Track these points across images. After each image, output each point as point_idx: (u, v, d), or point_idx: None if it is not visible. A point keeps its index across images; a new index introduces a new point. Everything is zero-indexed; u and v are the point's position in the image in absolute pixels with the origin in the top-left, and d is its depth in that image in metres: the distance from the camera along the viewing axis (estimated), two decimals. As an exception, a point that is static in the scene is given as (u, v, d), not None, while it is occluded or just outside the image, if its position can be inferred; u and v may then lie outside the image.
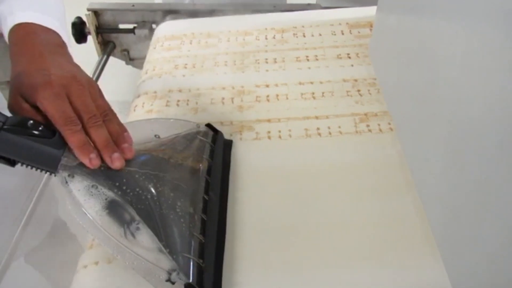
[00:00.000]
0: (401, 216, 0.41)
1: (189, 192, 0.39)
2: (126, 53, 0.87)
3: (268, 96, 0.55)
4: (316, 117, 0.51)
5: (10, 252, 0.48)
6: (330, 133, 0.49)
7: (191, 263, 0.34)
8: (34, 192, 0.55)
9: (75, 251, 0.62)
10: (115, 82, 1.06)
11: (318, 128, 0.50)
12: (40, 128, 0.33)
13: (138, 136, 0.39)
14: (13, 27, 0.41)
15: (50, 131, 0.34)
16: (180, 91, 0.57)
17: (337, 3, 0.77)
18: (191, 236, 0.36)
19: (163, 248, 0.34)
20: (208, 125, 0.48)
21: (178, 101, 0.55)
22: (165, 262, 0.34)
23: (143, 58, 0.70)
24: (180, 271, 0.33)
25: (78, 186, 0.34)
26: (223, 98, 0.55)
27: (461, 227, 0.34)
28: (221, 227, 0.40)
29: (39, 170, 0.35)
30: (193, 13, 0.81)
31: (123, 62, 0.91)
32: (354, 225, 0.40)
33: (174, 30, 0.70)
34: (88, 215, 0.33)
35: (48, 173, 0.35)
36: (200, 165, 0.42)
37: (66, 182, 0.34)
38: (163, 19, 0.81)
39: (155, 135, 0.42)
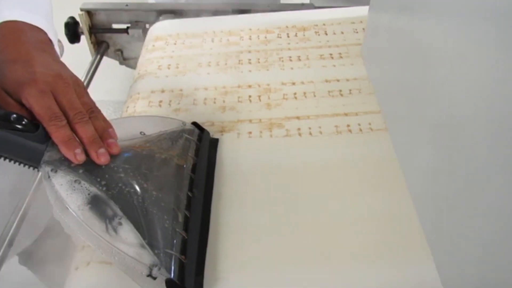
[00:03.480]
0: (391, 214, 0.41)
1: (173, 189, 0.40)
2: (119, 53, 0.88)
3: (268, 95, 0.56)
4: (308, 117, 0.53)
5: (4, 251, 0.49)
6: (321, 132, 0.50)
7: (173, 259, 0.35)
8: (28, 191, 0.56)
9: (69, 250, 0.63)
10: (109, 82, 1.07)
11: (310, 128, 0.51)
12: (24, 122, 0.34)
13: (123, 132, 0.40)
14: None
15: (33, 126, 0.35)
16: (173, 90, 0.58)
17: (330, 3, 0.78)
18: (173, 232, 0.37)
19: (145, 243, 0.35)
20: (194, 123, 0.49)
21: (160, 101, 0.56)
22: (147, 257, 0.35)
23: (137, 58, 0.71)
24: (162, 266, 0.34)
25: (61, 181, 0.35)
26: (217, 99, 0.56)
27: (450, 225, 0.34)
28: (205, 224, 0.41)
29: (22, 165, 0.36)
30: (188, 13, 0.82)
31: (117, 62, 0.92)
32: (342, 222, 0.41)
33: (168, 30, 0.71)
34: (70, 209, 0.34)
35: (31, 167, 0.36)
36: (185, 162, 0.43)
37: (49, 177, 0.35)
38: (157, 19, 0.82)
39: (141, 132, 0.43)
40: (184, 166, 0.43)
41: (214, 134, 0.51)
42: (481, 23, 0.29)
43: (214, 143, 0.49)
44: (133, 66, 0.90)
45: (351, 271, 0.38)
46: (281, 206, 0.43)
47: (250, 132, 0.51)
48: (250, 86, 0.57)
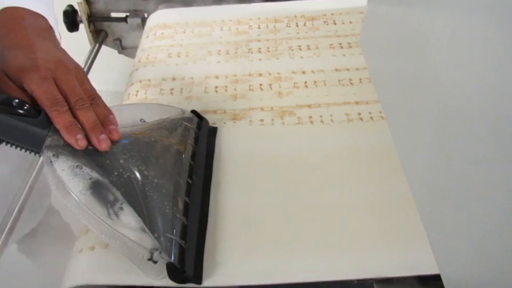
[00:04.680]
0: (389, 200, 0.42)
1: (173, 175, 0.40)
2: (118, 42, 0.88)
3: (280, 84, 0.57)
4: (319, 105, 0.53)
5: (4, 239, 0.50)
6: (332, 120, 0.51)
7: (173, 243, 0.36)
8: (27, 180, 0.57)
9: (68, 238, 0.63)
10: (106, 73, 1.07)
11: (310, 117, 0.52)
12: (25, 107, 0.35)
13: (124, 119, 0.41)
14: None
15: (36, 111, 0.35)
16: (177, 79, 0.59)
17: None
18: (173, 217, 0.38)
19: (146, 228, 0.36)
20: (193, 112, 0.49)
21: (172, 89, 0.57)
22: (148, 242, 0.35)
23: (136, 47, 0.71)
24: (162, 250, 0.35)
25: (63, 166, 0.36)
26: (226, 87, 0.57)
27: (446, 211, 0.35)
28: (204, 210, 0.42)
29: (23, 150, 0.36)
30: (186, 2, 0.82)
31: (115, 53, 0.92)
32: (340, 209, 0.42)
33: (168, 18, 0.72)
34: (72, 194, 0.35)
35: (32, 152, 0.36)
36: (185, 150, 0.43)
37: (51, 162, 0.36)
38: (155, 7, 0.82)
39: (141, 119, 0.43)
40: (184, 153, 0.43)
41: (226, 122, 0.52)
42: (479, 12, 0.30)
43: (213, 131, 0.50)
44: (132, 55, 0.90)
45: (350, 257, 0.38)
46: (284, 193, 0.44)
47: (262, 120, 0.52)
48: (260, 75, 0.58)
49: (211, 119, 0.52)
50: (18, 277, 0.53)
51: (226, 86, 0.57)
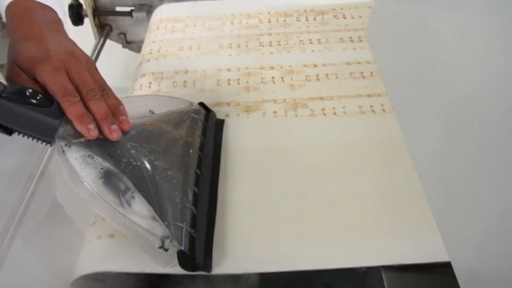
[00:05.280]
0: (400, 190, 0.43)
1: (182, 166, 0.41)
2: (123, 36, 0.89)
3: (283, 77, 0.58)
4: (331, 97, 0.54)
5: (12, 233, 0.51)
6: (345, 112, 0.52)
7: (184, 232, 0.37)
8: (33, 174, 0.57)
9: (74, 232, 0.64)
10: (111, 69, 1.08)
11: (323, 109, 0.53)
12: (38, 97, 0.35)
13: (133, 111, 0.42)
14: (10, 3, 0.43)
15: (48, 101, 0.36)
16: (189, 71, 0.60)
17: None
18: (183, 207, 0.38)
19: (156, 216, 0.36)
20: (201, 104, 0.50)
21: (185, 81, 0.58)
22: (159, 230, 0.36)
23: (140, 41, 0.72)
24: (173, 239, 0.36)
25: (75, 156, 0.36)
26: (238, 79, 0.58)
27: (455, 200, 0.36)
28: (212, 200, 0.42)
29: (35, 140, 0.37)
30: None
31: (117, 49, 0.93)
32: (350, 198, 0.43)
33: (175, 12, 0.72)
34: (85, 183, 0.36)
35: (45, 143, 0.37)
36: (193, 141, 0.44)
37: (63, 151, 0.36)
38: (160, 2, 0.82)
39: (150, 111, 0.44)
40: (192, 144, 0.44)
41: (240, 114, 0.53)
42: (489, 3, 0.30)
43: (221, 123, 0.51)
44: (137, 50, 0.90)
45: (359, 245, 0.39)
46: (293, 184, 0.44)
47: (275, 112, 0.53)
48: (272, 68, 0.59)
49: (225, 111, 0.53)
50: (28, 269, 0.54)
51: (238, 79, 0.58)
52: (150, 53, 0.64)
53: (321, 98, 0.54)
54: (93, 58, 0.82)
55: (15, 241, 0.51)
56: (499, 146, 0.29)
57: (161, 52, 0.64)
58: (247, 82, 0.57)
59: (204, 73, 0.59)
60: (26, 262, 0.55)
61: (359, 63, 0.59)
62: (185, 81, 0.58)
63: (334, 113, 0.52)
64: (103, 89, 0.40)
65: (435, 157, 0.40)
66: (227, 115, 0.52)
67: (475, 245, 0.33)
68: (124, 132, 0.39)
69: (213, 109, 0.52)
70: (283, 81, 0.57)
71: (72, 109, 0.36)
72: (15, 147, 0.57)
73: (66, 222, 0.69)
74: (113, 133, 0.38)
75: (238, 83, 0.57)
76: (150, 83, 0.58)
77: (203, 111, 0.49)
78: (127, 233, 0.36)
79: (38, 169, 0.59)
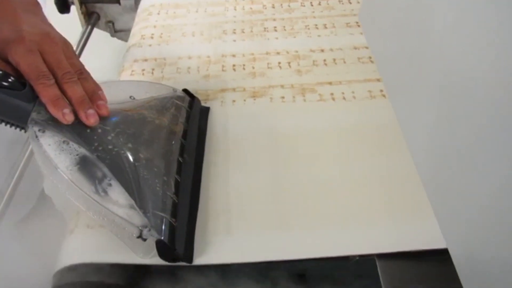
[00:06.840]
0: (394, 174, 0.43)
1: (164, 153, 0.40)
2: (111, 24, 0.87)
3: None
4: (340, 82, 0.54)
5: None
6: (354, 97, 0.52)
7: (164, 221, 0.35)
8: (16, 166, 0.56)
9: (60, 224, 0.63)
10: (97, 62, 1.06)
11: (331, 93, 0.52)
12: (10, 80, 0.34)
13: (113, 96, 0.40)
14: None
15: (20, 84, 0.35)
16: (193, 57, 0.59)
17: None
18: (164, 195, 0.37)
19: (135, 205, 0.35)
20: (185, 90, 0.48)
21: (189, 68, 0.57)
22: (137, 218, 0.35)
23: (129, 30, 0.70)
24: (152, 228, 0.35)
25: (49, 141, 0.35)
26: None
27: (450, 183, 0.35)
28: (195, 188, 0.41)
29: (8, 125, 0.35)
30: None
31: (104, 41, 0.91)
32: (343, 184, 0.42)
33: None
34: (59, 170, 0.34)
35: (18, 128, 0.36)
36: (176, 128, 0.43)
37: (36, 137, 0.35)
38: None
39: (130, 96, 0.43)
40: (175, 131, 0.43)
41: (246, 99, 0.52)
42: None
43: (206, 110, 0.49)
44: (125, 39, 0.89)
45: (354, 231, 0.38)
46: (283, 170, 0.43)
47: (283, 97, 0.52)
48: (278, 53, 0.58)
49: (231, 97, 0.52)
50: (13, 262, 0.53)
51: (244, 65, 0.57)
52: (152, 37, 0.63)
53: (330, 83, 0.53)
54: (80, 47, 0.80)
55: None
56: (494, 127, 0.29)
57: (163, 38, 0.63)
58: (253, 67, 0.56)
59: (209, 59, 0.58)
60: (12, 255, 0.53)
61: (366, 47, 0.58)
62: (189, 67, 0.57)
63: (344, 98, 0.51)
64: (81, 73, 0.38)
65: (430, 140, 0.39)
66: (234, 101, 0.52)
67: (472, 229, 0.32)
68: (102, 118, 0.38)
69: (219, 95, 0.52)
70: (290, 66, 0.56)
71: (46, 92, 0.35)
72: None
73: (54, 213, 0.68)
74: (90, 118, 0.36)
75: (244, 68, 0.56)
76: (153, 69, 0.57)
77: (187, 98, 0.48)
78: (103, 222, 0.35)
79: (22, 159, 0.57)
